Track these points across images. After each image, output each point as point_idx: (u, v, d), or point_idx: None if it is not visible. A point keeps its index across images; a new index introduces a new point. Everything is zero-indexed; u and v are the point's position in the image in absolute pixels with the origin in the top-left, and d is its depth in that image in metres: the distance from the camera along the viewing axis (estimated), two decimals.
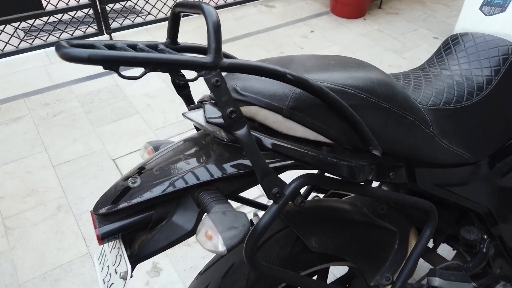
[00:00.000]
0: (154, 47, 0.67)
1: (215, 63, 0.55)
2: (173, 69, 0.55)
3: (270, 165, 0.68)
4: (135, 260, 0.65)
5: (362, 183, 0.72)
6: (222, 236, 0.55)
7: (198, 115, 0.69)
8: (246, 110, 0.66)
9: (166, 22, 3.01)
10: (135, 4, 2.89)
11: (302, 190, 1.05)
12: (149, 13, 2.94)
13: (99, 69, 2.29)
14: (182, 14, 0.68)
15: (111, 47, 0.61)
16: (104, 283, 0.69)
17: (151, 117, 2.10)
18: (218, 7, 3.19)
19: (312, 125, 0.65)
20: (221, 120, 0.64)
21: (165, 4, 2.95)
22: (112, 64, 0.52)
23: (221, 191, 0.68)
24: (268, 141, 0.62)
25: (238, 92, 0.66)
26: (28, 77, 2.31)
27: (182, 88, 0.79)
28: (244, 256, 0.64)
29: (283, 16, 3.21)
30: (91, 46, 0.58)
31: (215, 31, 0.55)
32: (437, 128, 0.76)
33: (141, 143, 1.95)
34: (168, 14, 2.98)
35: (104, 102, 2.17)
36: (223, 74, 0.57)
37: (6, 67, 2.37)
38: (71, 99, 2.17)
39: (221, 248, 0.55)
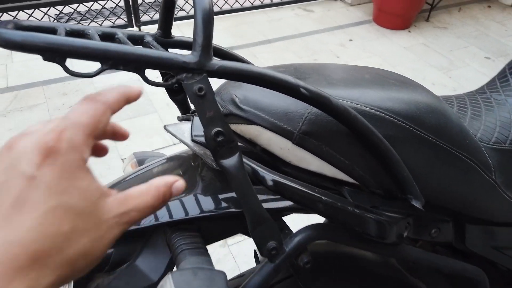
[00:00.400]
0: (138, 38, 0.52)
1: (200, 65, 0.40)
2: (139, 67, 0.40)
3: (270, 205, 0.52)
4: None
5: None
6: None
7: (183, 130, 0.54)
8: (245, 129, 0.50)
9: None
10: None
11: None
12: (181, 8, 2.84)
13: None
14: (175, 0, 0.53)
15: (74, 34, 0.46)
16: None
17: (169, 117, 1.97)
18: (253, 8, 3.05)
19: (331, 158, 0.48)
20: None
21: None
22: (54, 54, 0.37)
23: (203, 232, 0.52)
24: (268, 176, 0.46)
25: (237, 104, 0.50)
26: (51, 64, 2.23)
27: (176, 92, 0.64)
28: None
29: (321, 21, 3.03)
30: (48, 30, 0.44)
31: (205, 21, 0.39)
32: (501, 175, 0.57)
33: (155, 143, 1.82)
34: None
35: None
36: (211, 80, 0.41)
37: None
38: (90, 90, 2.07)
39: None
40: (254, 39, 2.74)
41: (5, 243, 0.22)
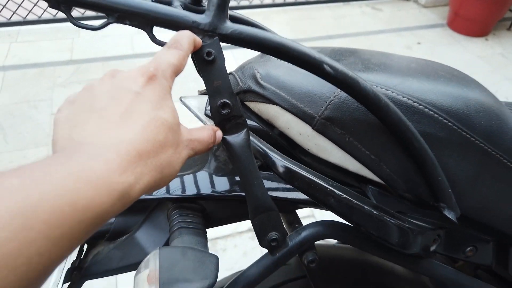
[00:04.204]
0: (165, 1, 0.49)
1: (212, 26, 0.36)
2: (146, 23, 0.37)
3: (281, 194, 0.47)
4: (82, 275, 0.49)
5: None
6: None
7: (199, 103, 0.50)
8: (263, 109, 0.46)
9: (261, 9, 2.86)
10: None
11: None
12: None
13: None
14: None
15: None
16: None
17: None
18: (318, 2, 2.97)
19: (354, 150, 0.42)
20: None
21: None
22: (59, 1, 0.36)
23: (206, 214, 0.48)
24: (278, 161, 0.41)
25: (257, 80, 0.46)
26: (113, 43, 2.33)
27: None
28: None
29: (389, 21, 2.88)
30: None
31: None
32: None
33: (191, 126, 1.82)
34: (264, 0, 2.83)
35: (176, 79, 2.09)
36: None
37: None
38: None
39: None
40: (315, 34, 2.66)
41: (119, 142, 0.27)
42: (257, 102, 0.46)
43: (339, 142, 0.42)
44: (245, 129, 0.38)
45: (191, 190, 0.47)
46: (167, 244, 0.47)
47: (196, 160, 0.51)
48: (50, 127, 1.76)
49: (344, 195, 0.40)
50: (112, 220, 0.49)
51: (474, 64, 2.50)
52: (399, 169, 0.42)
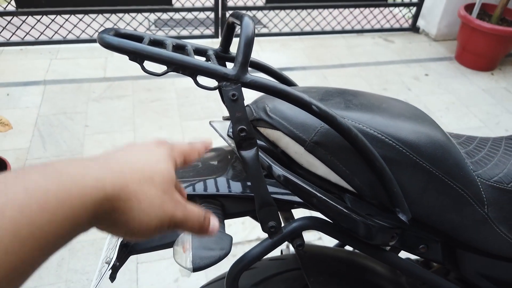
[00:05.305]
0: (203, 51, 0.67)
1: (236, 77, 0.53)
2: (193, 73, 0.54)
3: (280, 196, 0.63)
4: (129, 251, 0.66)
5: (383, 247, 0.63)
6: (193, 253, 0.52)
7: (223, 126, 0.67)
8: (270, 133, 0.63)
9: (279, 37, 3.07)
10: (254, 15, 3.01)
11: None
12: (264, 26, 3.04)
13: None
14: (236, 25, 0.67)
15: (155, 42, 0.62)
16: (102, 263, 0.71)
17: None
18: (333, 32, 3.16)
19: (334, 166, 0.58)
20: None
21: (281, 20, 3.03)
22: (136, 56, 0.53)
23: (225, 208, 0.65)
24: (278, 171, 0.58)
25: (266, 112, 0.63)
26: None
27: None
28: (225, 284, 0.61)
29: (399, 53, 3.05)
30: (137, 38, 0.60)
31: (246, 44, 0.53)
32: (495, 211, 0.63)
33: (216, 144, 2.00)
34: (283, 29, 3.04)
35: (197, 100, 2.29)
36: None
37: None
38: (170, 90, 2.33)
39: (188, 265, 0.52)
40: (328, 62, 2.84)
41: (117, 159, 0.34)
42: (265, 128, 0.63)
43: (324, 160, 0.58)
44: (256, 147, 0.54)
45: (214, 190, 0.63)
46: None
47: (218, 168, 0.67)
48: (84, 137, 1.96)
49: (324, 197, 0.56)
50: None
51: (477, 96, 2.63)
52: (366, 181, 0.58)
